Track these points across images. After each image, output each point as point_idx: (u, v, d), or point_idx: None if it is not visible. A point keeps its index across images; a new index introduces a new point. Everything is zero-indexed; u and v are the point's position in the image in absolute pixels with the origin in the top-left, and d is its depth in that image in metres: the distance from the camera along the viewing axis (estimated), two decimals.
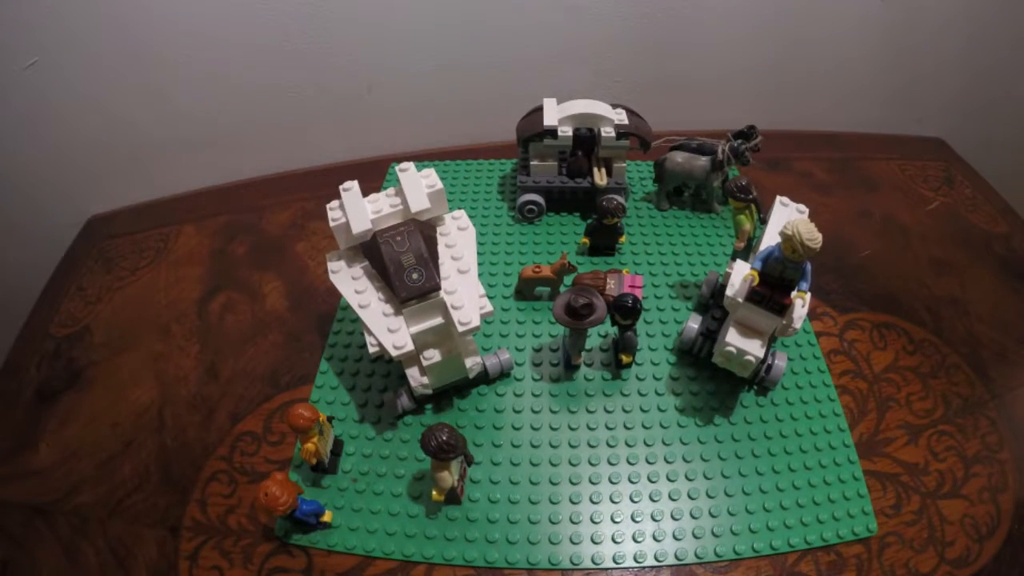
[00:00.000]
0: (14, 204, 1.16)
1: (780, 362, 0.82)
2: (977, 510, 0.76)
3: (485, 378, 0.86)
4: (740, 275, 0.75)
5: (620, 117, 1.02)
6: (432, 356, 0.75)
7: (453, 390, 0.85)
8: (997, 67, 1.37)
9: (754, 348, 0.74)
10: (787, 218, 0.80)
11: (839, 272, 1.05)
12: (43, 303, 1.06)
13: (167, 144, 1.22)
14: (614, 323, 0.83)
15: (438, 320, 0.74)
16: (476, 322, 0.71)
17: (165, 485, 0.79)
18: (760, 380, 0.84)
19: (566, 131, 1.00)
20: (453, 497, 0.73)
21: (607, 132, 1.00)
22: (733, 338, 0.75)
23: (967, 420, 0.86)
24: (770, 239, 0.79)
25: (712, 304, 0.90)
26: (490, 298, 0.75)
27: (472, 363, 0.80)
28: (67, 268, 1.12)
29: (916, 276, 1.06)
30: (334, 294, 1.00)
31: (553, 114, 1.01)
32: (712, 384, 0.86)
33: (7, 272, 1.17)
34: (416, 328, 0.72)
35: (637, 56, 1.28)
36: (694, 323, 0.87)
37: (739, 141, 1.03)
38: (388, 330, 0.71)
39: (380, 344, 0.71)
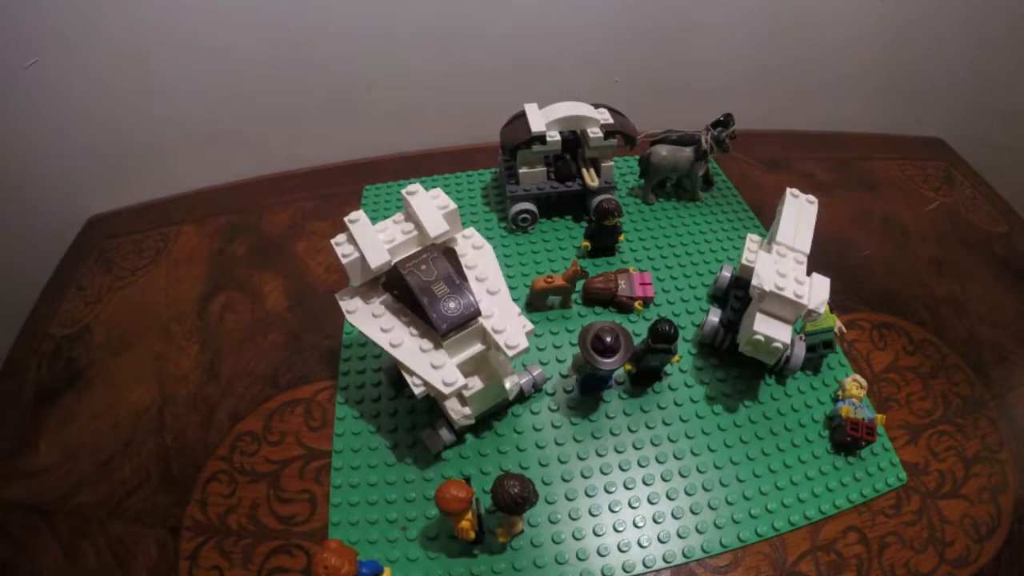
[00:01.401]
0: (14, 203, 1.16)
1: (799, 350, 0.84)
2: (977, 510, 0.76)
3: (521, 397, 0.83)
4: (765, 265, 0.78)
5: (604, 116, 1.02)
6: (473, 384, 0.72)
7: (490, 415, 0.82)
8: (997, 67, 1.37)
9: (782, 335, 0.76)
10: (798, 208, 0.85)
11: (839, 272, 1.05)
12: (43, 303, 1.06)
13: (167, 144, 1.22)
14: (651, 350, 0.79)
15: (478, 347, 0.70)
16: (524, 343, 0.66)
17: (165, 485, 0.79)
18: (780, 368, 0.86)
19: (554, 136, 0.99)
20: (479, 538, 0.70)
21: (594, 132, 1.00)
22: (761, 326, 0.76)
23: (967, 420, 0.86)
24: (785, 225, 0.83)
25: (731, 295, 0.90)
26: None
27: (511, 384, 0.78)
28: (67, 268, 1.12)
29: (916, 276, 1.06)
30: (335, 294, 1.00)
31: (538, 119, 1.00)
32: (725, 371, 0.88)
33: (7, 272, 1.17)
34: (458, 359, 0.68)
35: (638, 57, 1.29)
36: (714, 316, 0.88)
37: (719, 129, 1.04)
38: (432, 366, 0.66)
39: (427, 383, 0.66)
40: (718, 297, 0.97)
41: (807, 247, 0.81)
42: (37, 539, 0.75)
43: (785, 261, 0.79)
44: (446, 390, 0.65)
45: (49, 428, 0.86)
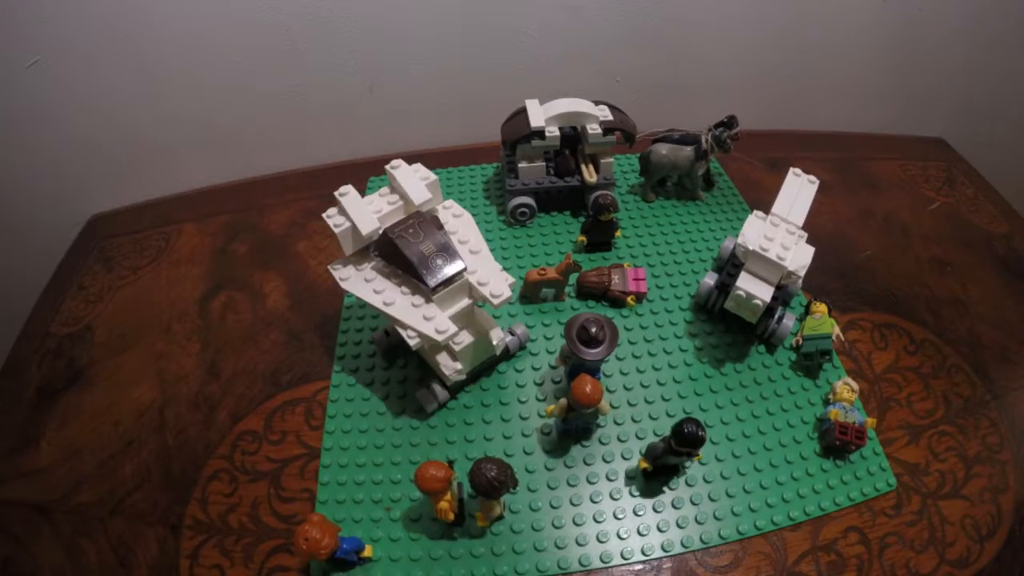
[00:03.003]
0: (15, 203, 1.16)
1: (788, 321, 0.88)
2: (978, 511, 0.76)
3: (507, 354, 0.88)
4: (753, 228, 0.82)
5: (604, 113, 1.02)
6: (463, 339, 0.78)
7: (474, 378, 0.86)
8: (999, 67, 1.36)
9: (762, 292, 0.80)
10: (798, 186, 0.89)
11: (840, 272, 1.05)
12: (44, 302, 1.06)
13: (168, 143, 1.22)
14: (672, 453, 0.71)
15: (465, 302, 0.75)
16: (507, 293, 0.72)
17: (166, 484, 0.79)
18: (769, 335, 0.89)
19: (553, 131, 1.00)
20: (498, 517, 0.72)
21: (593, 129, 1.00)
22: (743, 283, 0.81)
23: (968, 420, 0.86)
24: (783, 198, 0.87)
25: (729, 263, 0.92)
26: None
27: (497, 338, 0.81)
28: (68, 267, 1.13)
29: (917, 276, 1.06)
30: (335, 294, 1.00)
31: (538, 115, 1.01)
32: (714, 370, 0.88)
33: (8, 270, 1.18)
34: (448, 313, 0.73)
35: (639, 57, 1.28)
36: (710, 279, 0.92)
37: (720, 129, 1.05)
38: (424, 319, 0.71)
39: (420, 334, 0.70)
40: (721, 267, 0.98)
41: (800, 220, 0.85)
42: (38, 537, 0.75)
43: (776, 230, 0.82)
44: (440, 338, 0.70)
45: (50, 427, 0.86)
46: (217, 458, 0.81)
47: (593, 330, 0.74)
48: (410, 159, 0.81)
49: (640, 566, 0.71)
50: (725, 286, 0.89)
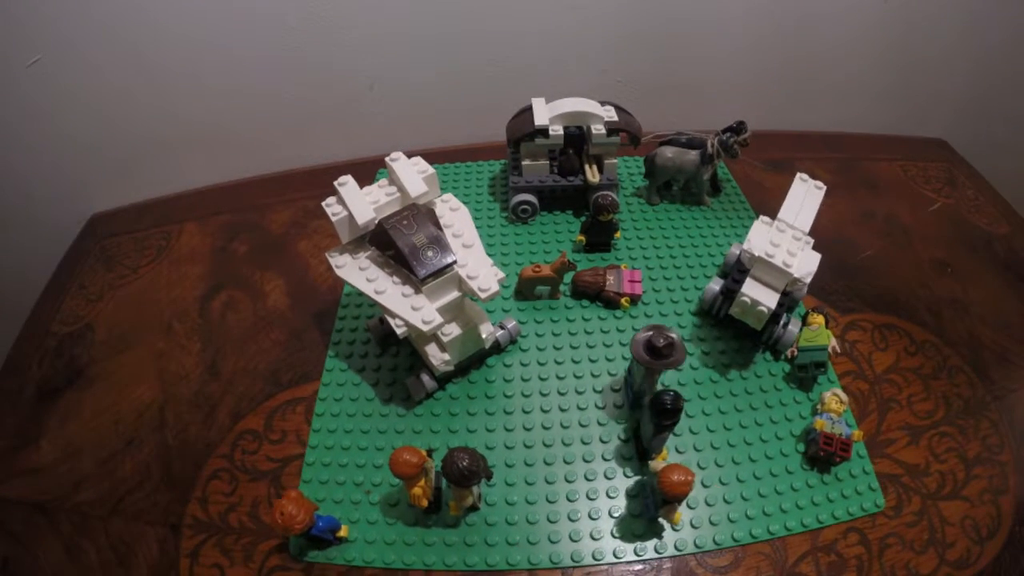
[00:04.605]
0: (16, 202, 1.16)
1: (793, 327, 0.88)
2: (978, 511, 0.76)
3: (497, 348, 0.89)
4: (759, 234, 0.82)
5: (609, 114, 1.03)
6: (451, 331, 0.79)
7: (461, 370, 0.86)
8: (999, 68, 1.36)
9: (767, 299, 0.79)
10: (805, 191, 0.88)
11: (841, 272, 1.05)
12: (45, 301, 1.06)
13: (169, 142, 1.22)
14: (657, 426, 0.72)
15: (455, 294, 0.76)
16: (495, 287, 0.73)
17: (166, 483, 0.79)
18: (774, 342, 0.89)
19: (557, 130, 1.01)
20: (472, 507, 0.73)
21: (598, 129, 1.01)
22: (749, 289, 0.80)
23: (968, 421, 0.86)
24: (790, 204, 0.87)
25: (735, 269, 0.92)
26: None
27: (487, 332, 0.82)
28: (69, 266, 1.13)
29: (918, 277, 1.06)
30: (336, 292, 1.00)
31: (543, 113, 1.01)
32: (702, 375, 0.88)
33: (9, 269, 1.17)
34: (436, 304, 0.74)
35: (639, 57, 1.28)
36: (715, 285, 0.92)
37: (728, 134, 1.04)
38: (412, 308, 0.72)
39: (408, 323, 0.72)
40: (727, 273, 0.97)
41: (807, 226, 0.85)
42: (38, 536, 0.75)
43: (783, 236, 0.82)
44: (425, 328, 0.71)
45: (51, 426, 0.87)
46: (217, 457, 0.81)
47: (661, 343, 0.70)
48: (411, 158, 0.81)
49: (640, 566, 0.71)
50: (730, 292, 0.88)
